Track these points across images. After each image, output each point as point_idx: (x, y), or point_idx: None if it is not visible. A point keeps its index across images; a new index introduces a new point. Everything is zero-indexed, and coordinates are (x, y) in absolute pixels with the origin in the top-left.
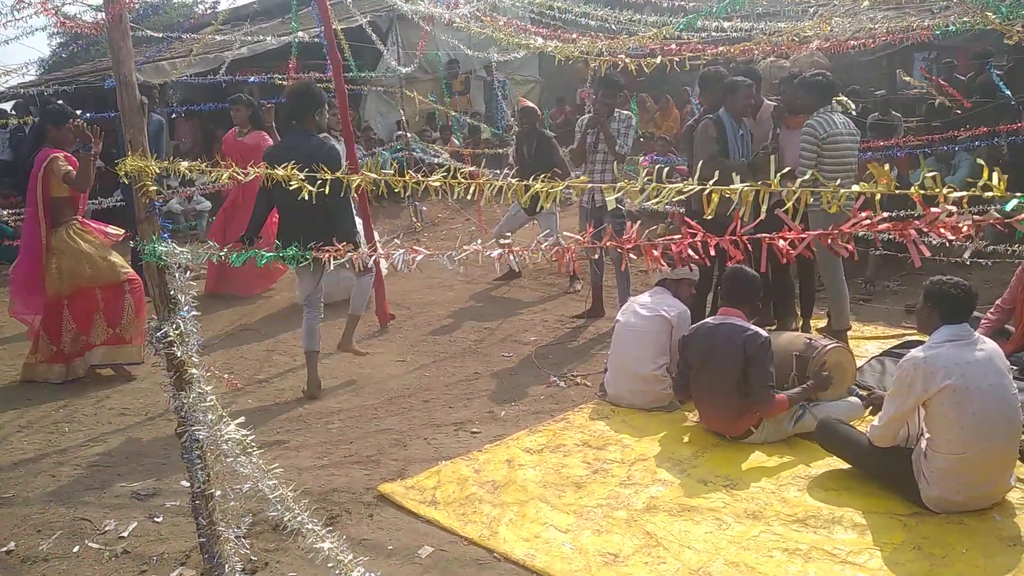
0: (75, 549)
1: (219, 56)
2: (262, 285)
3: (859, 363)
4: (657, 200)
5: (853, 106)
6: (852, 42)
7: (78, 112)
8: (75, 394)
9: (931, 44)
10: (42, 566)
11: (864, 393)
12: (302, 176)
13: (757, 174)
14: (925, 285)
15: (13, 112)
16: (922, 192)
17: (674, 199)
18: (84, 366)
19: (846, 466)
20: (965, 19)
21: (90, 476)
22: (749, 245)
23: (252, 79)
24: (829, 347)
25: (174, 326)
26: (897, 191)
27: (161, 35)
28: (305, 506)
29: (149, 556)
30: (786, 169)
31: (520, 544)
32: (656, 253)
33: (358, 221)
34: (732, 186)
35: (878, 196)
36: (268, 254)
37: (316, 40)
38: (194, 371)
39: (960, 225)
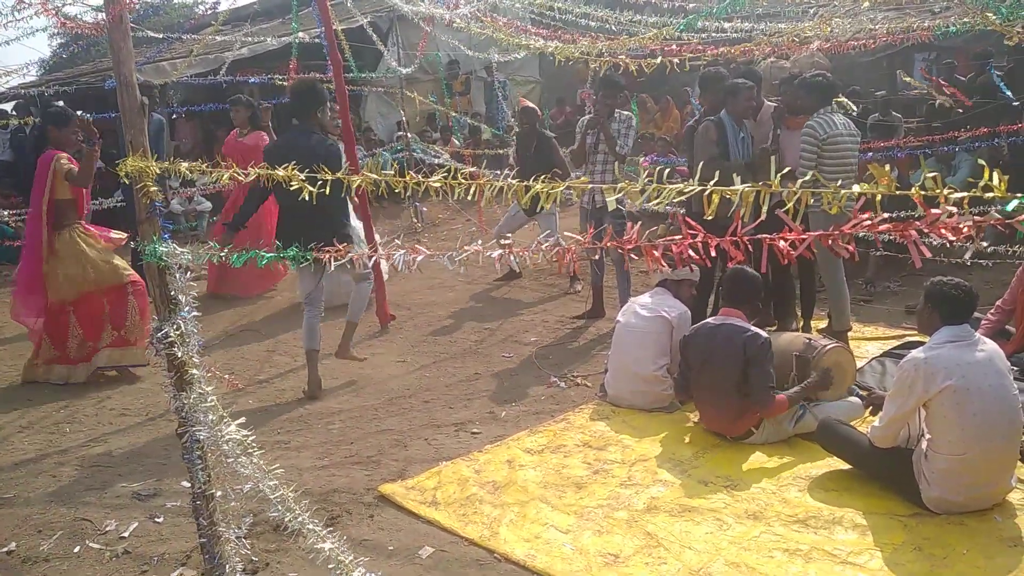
0: (76, 549)
1: (219, 57)
2: (263, 286)
3: (860, 364)
4: (658, 201)
5: (855, 108)
6: (852, 43)
7: (79, 112)
8: (76, 395)
9: (931, 45)
10: (43, 566)
11: (864, 393)
12: (303, 176)
13: (756, 173)
14: (926, 286)
15: (14, 113)
16: (923, 193)
17: (675, 200)
18: (89, 370)
19: (847, 467)
20: (965, 20)
21: (91, 476)
22: (750, 246)
23: (253, 80)
24: (829, 347)
25: (175, 327)
26: (898, 192)
27: (162, 36)
28: (306, 507)
29: (150, 556)
30: (786, 169)
31: (521, 544)
32: (657, 254)
33: (358, 223)
34: (733, 187)
35: (879, 197)
36: (268, 254)
37: (316, 41)
38: (195, 371)
39: (961, 226)
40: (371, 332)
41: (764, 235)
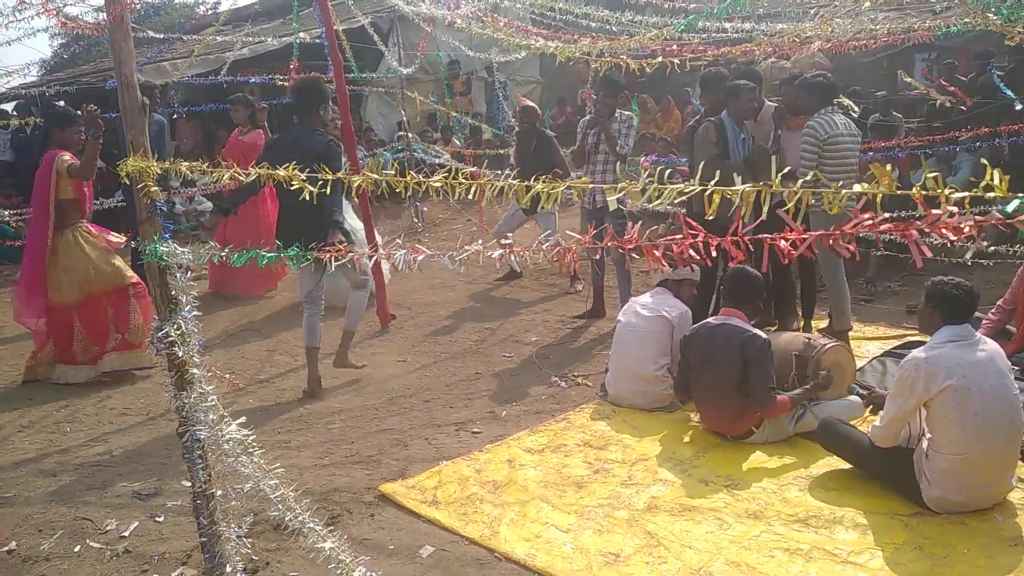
0: (76, 549)
1: (220, 57)
2: (264, 286)
3: (860, 363)
4: (659, 202)
5: (857, 109)
6: (853, 43)
7: (79, 112)
8: (76, 394)
9: (932, 45)
10: (43, 566)
11: (865, 393)
12: (303, 177)
13: (756, 172)
14: (926, 286)
15: (15, 113)
16: (924, 193)
17: (675, 200)
18: (94, 374)
19: (847, 466)
20: (966, 20)
21: (91, 476)
22: (751, 245)
23: (253, 80)
24: (828, 346)
25: (175, 326)
26: (898, 192)
27: (162, 36)
28: (306, 506)
29: (150, 556)
30: (787, 169)
31: (521, 544)
32: (657, 253)
33: (359, 223)
34: (734, 187)
35: (879, 197)
36: (269, 254)
37: (317, 41)
38: (195, 371)
39: (962, 226)
40: (372, 332)
41: (765, 235)
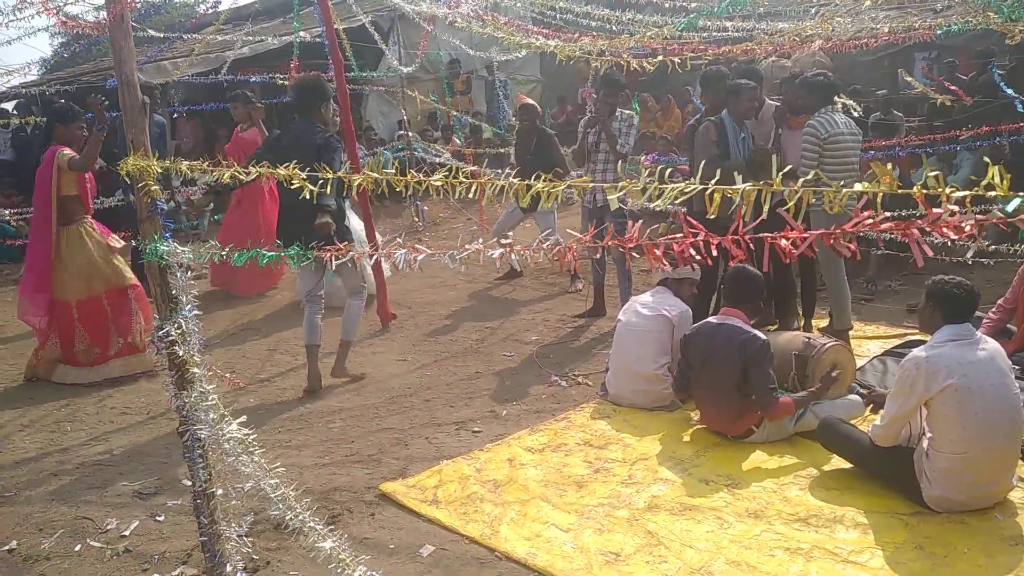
0: (77, 548)
1: (221, 56)
2: (264, 285)
3: (861, 363)
4: (660, 201)
5: (859, 109)
6: (854, 42)
7: (79, 111)
8: (77, 393)
9: (933, 44)
10: (44, 565)
11: (865, 392)
12: (303, 176)
13: (756, 171)
14: (927, 285)
15: (15, 112)
16: (924, 192)
17: (676, 199)
18: (99, 377)
19: (848, 465)
20: (967, 19)
21: (92, 475)
22: (751, 244)
23: (254, 79)
24: (828, 346)
25: (176, 325)
26: (899, 191)
27: (163, 35)
28: (307, 505)
29: (151, 555)
30: (787, 168)
31: (521, 543)
32: (658, 252)
33: (359, 223)
34: (735, 186)
35: (880, 196)
36: (269, 253)
37: (318, 40)
38: (196, 370)
39: (963, 225)
40: (372, 331)
41: (766, 234)
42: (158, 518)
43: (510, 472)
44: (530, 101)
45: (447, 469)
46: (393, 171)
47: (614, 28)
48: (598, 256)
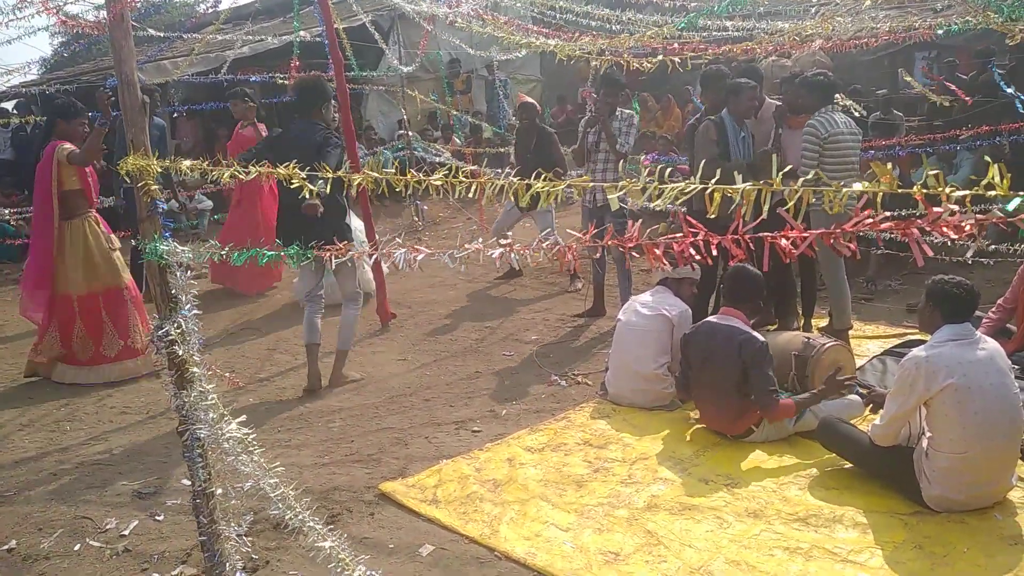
0: (76, 547)
1: (221, 55)
2: (264, 284)
3: (861, 362)
4: (659, 201)
5: (860, 109)
6: (854, 41)
7: (81, 107)
8: (77, 392)
9: (933, 43)
10: (43, 564)
11: (865, 392)
12: (303, 175)
13: (758, 175)
14: (927, 284)
15: (15, 111)
16: (924, 191)
17: (676, 199)
18: (98, 379)
19: (847, 465)
20: (967, 18)
21: (91, 474)
22: (751, 244)
23: (254, 78)
24: (827, 346)
25: (175, 325)
26: (899, 190)
27: (163, 34)
28: (306, 504)
29: (150, 554)
30: (787, 168)
31: (521, 542)
32: (658, 252)
33: (359, 223)
34: (735, 186)
35: (880, 195)
36: (270, 253)
37: (318, 39)
38: (195, 370)
39: (962, 224)
40: (372, 330)
41: (766, 233)
42: (157, 517)
43: (510, 472)
44: (530, 100)
45: (447, 469)
46: (393, 171)
47: (614, 27)
48: (598, 256)
